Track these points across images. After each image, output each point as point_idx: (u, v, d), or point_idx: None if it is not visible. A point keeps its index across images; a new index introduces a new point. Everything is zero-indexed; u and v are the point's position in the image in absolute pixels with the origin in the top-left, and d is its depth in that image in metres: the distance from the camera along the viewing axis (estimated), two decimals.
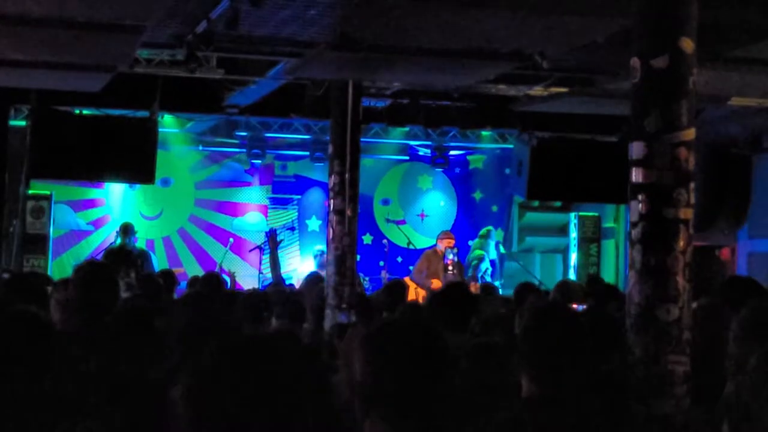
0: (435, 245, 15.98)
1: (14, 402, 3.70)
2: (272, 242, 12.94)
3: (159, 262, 17.35)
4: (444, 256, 15.05)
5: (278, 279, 12.20)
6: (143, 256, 15.34)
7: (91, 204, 17.95)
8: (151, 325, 5.42)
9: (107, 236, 17.34)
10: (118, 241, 15.26)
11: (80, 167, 14.07)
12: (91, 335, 5.43)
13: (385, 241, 18.82)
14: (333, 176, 13.29)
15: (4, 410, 2.54)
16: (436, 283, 14.51)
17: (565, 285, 9.93)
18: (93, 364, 4.90)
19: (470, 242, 18.78)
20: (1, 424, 2.35)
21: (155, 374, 4.67)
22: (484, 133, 18.82)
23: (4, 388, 3.88)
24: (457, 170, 19.93)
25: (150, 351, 5.09)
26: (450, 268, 14.87)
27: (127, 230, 15.20)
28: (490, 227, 17.54)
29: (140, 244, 17.66)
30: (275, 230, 14.19)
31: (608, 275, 18.99)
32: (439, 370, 2.85)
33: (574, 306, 8.33)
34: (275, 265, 12.46)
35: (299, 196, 19.24)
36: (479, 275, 15.91)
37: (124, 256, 14.31)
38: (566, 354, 3.96)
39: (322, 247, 17.00)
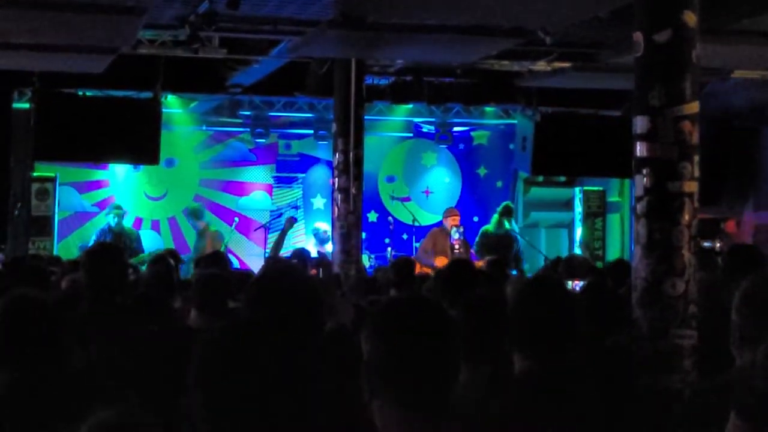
0: (441, 223, 15.96)
1: (27, 387, 3.73)
2: (288, 225, 12.92)
3: (164, 242, 17.39)
4: (450, 236, 15.02)
5: (275, 256, 12.17)
6: (131, 236, 15.62)
7: (95, 185, 17.94)
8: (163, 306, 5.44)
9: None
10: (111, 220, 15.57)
11: (84, 149, 14.07)
12: (102, 317, 5.45)
13: (390, 218, 18.79)
14: (337, 154, 13.29)
15: (18, 396, 2.57)
16: (441, 261, 14.49)
17: (569, 260, 9.96)
18: (103, 346, 4.92)
19: (475, 218, 18.81)
20: (17, 410, 2.38)
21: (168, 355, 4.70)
22: (488, 109, 18.78)
23: (16, 374, 3.92)
24: (462, 146, 19.89)
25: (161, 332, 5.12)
26: (457, 247, 14.85)
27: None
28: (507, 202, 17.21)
29: (145, 225, 17.73)
30: (296, 218, 14.17)
31: (614, 250, 19.00)
32: (447, 348, 2.86)
33: (576, 281, 8.35)
34: (279, 244, 12.46)
35: (304, 175, 19.22)
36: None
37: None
38: (555, 329, 3.98)
39: (324, 224, 17.03)
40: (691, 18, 6.68)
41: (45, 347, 4.04)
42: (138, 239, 16.00)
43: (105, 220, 16.45)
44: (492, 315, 4.43)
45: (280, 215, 18.63)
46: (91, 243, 16.27)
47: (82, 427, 2.46)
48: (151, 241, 16.96)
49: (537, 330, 3.96)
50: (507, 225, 15.95)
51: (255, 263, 16.18)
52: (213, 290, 6.47)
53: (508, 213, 16.18)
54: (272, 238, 18.30)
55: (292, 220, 13.28)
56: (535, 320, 3.98)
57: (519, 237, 16.31)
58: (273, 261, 11.36)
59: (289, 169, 19.18)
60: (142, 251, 15.45)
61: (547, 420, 3.70)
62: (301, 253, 11.60)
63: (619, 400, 4.13)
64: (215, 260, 9.90)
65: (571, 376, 3.92)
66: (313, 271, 10.48)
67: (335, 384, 3.27)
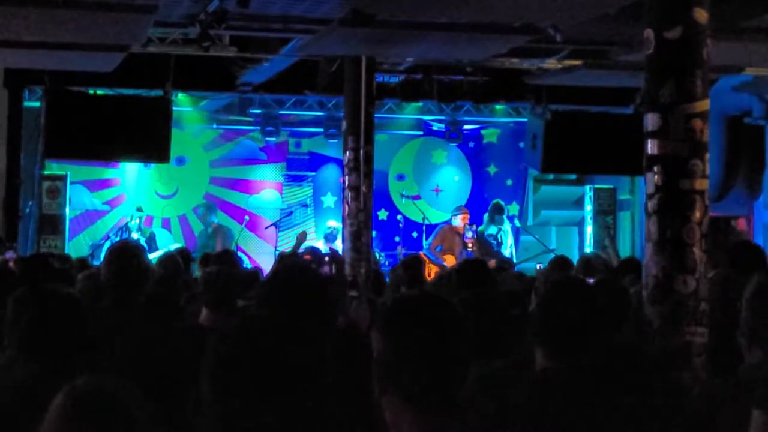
0: (450, 221, 15.95)
1: (56, 379, 3.76)
2: (301, 239, 12.95)
3: (175, 240, 17.41)
4: (463, 234, 15.01)
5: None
6: (150, 239, 15.71)
7: (106, 184, 17.98)
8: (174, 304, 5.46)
9: (123, 215, 17.40)
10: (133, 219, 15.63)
11: (95, 147, 14.08)
12: (123, 313, 5.49)
13: (400, 216, 18.80)
14: (347, 152, 13.29)
15: (47, 388, 2.61)
16: (450, 260, 14.49)
17: (586, 260, 9.93)
18: (124, 341, 4.96)
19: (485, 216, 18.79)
20: (46, 401, 2.40)
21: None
22: (498, 107, 18.78)
23: (46, 366, 3.98)
24: (472, 144, 19.89)
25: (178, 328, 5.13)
26: (470, 245, 14.84)
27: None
28: (497, 200, 17.34)
29: (156, 222, 17.76)
30: (306, 233, 14.22)
31: (624, 248, 18.97)
32: (457, 345, 2.86)
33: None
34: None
35: (314, 173, 19.24)
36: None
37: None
38: (581, 328, 3.99)
39: (333, 222, 17.06)
40: (701, 15, 6.67)
41: (73, 341, 4.14)
42: (153, 239, 16.11)
43: (116, 218, 16.52)
44: (498, 311, 4.44)
45: (291, 213, 18.66)
46: (99, 240, 16.42)
47: (59, 395, 2.48)
48: (163, 240, 16.99)
49: (567, 331, 3.96)
50: (498, 222, 15.99)
51: (265, 261, 16.20)
52: (223, 288, 6.47)
53: (496, 211, 16.22)
54: (283, 236, 18.34)
55: (303, 236, 13.32)
56: (566, 322, 3.98)
57: (506, 232, 16.29)
58: (285, 259, 11.38)
59: (300, 168, 19.20)
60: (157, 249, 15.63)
61: (564, 418, 3.71)
62: (314, 251, 11.62)
63: (630, 398, 4.13)
64: (224, 258, 9.92)
65: (591, 375, 3.92)
66: (326, 269, 10.51)
67: (346, 381, 3.28)
